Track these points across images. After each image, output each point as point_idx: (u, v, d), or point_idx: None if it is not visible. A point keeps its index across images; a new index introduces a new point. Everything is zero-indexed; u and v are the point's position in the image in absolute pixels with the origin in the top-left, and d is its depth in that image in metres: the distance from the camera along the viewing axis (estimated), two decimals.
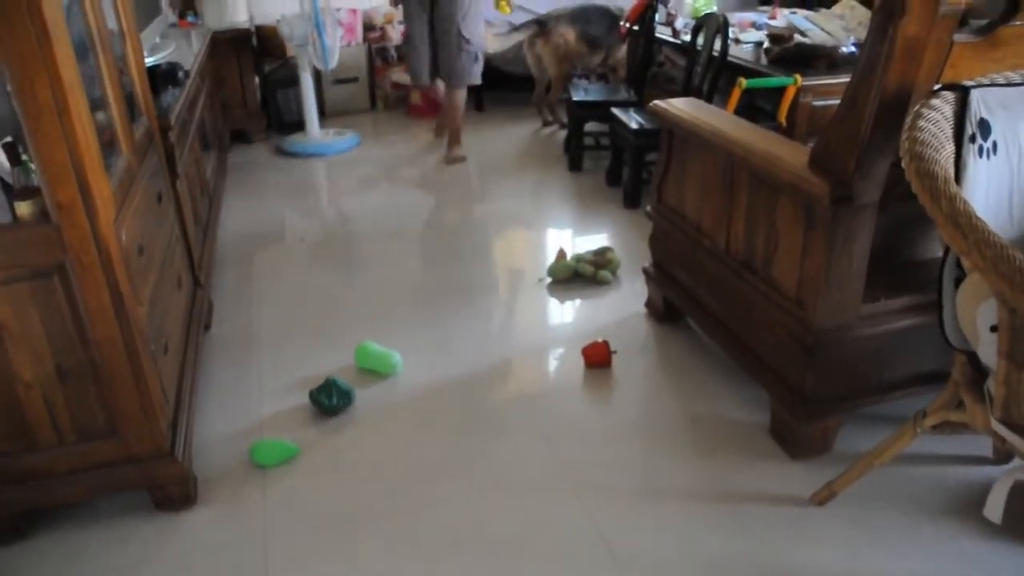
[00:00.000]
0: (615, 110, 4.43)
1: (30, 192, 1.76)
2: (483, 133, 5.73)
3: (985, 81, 1.75)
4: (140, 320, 1.94)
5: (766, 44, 4.07)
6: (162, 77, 3.13)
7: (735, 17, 4.75)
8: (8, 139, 1.88)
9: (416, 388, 2.69)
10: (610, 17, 5.53)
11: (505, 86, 6.09)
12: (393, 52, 6.26)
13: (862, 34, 3.87)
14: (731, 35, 4.02)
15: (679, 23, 4.85)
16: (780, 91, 3.59)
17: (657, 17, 4.84)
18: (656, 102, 2.80)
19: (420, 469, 2.30)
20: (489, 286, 3.52)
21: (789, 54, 3.79)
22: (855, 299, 2.10)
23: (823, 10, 4.48)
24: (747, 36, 4.41)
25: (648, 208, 2.98)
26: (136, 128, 2.39)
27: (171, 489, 2.11)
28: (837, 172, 1.95)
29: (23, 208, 1.74)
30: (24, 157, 1.82)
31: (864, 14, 4.07)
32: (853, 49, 3.83)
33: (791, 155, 2.15)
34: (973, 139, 1.69)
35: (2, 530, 2.02)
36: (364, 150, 5.34)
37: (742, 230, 2.39)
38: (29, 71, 1.61)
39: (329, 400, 2.51)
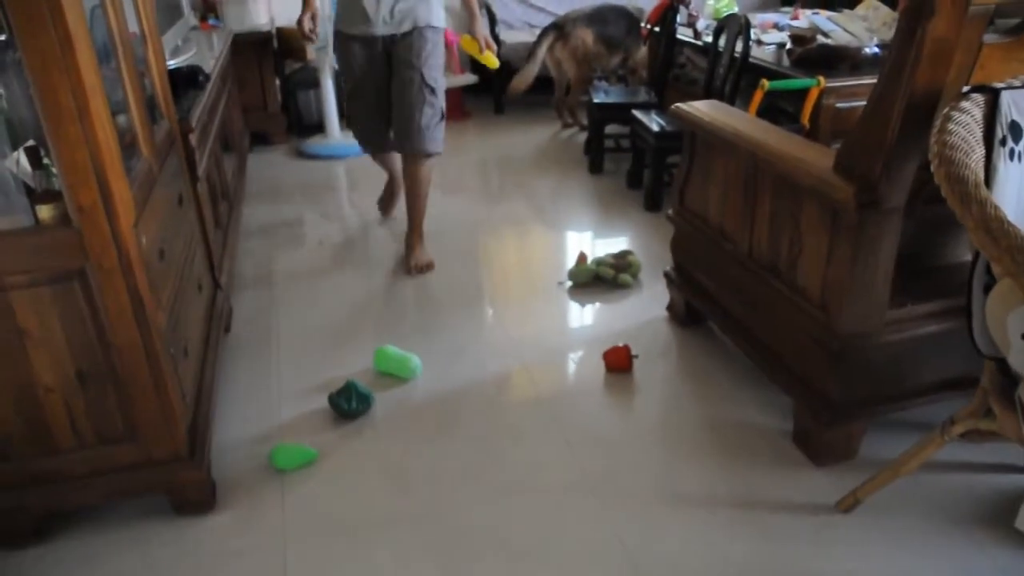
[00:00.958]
0: (636, 112, 4.41)
1: (51, 196, 1.75)
2: (502, 135, 5.72)
3: (1016, 83, 1.72)
4: (160, 324, 1.94)
5: (788, 45, 4.03)
6: (183, 80, 3.13)
7: (757, 18, 4.73)
8: (30, 143, 1.88)
9: (435, 392, 2.68)
10: (628, 17, 5.50)
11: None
12: None
13: (886, 35, 3.85)
14: (753, 36, 4.00)
15: (700, 24, 4.82)
16: (803, 93, 3.56)
17: (678, 18, 4.81)
18: (678, 104, 2.78)
19: (439, 474, 2.29)
20: (509, 289, 3.51)
21: (812, 55, 3.76)
22: (881, 304, 2.07)
23: (846, 11, 4.45)
24: (769, 37, 4.38)
25: (669, 211, 2.96)
26: (157, 131, 2.39)
27: (190, 493, 2.10)
28: (863, 176, 1.92)
29: (44, 212, 1.74)
30: (45, 161, 1.82)
31: (888, 14, 4.03)
32: (876, 50, 3.79)
33: (815, 158, 2.12)
34: (1004, 142, 1.66)
35: (21, 533, 2.02)
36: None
37: (766, 234, 2.36)
38: (51, 76, 1.60)
39: (348, 404, 2.50)
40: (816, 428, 2.22)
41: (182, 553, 2.03)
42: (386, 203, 4.22)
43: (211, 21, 5.21)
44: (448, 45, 6.02)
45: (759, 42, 4.28)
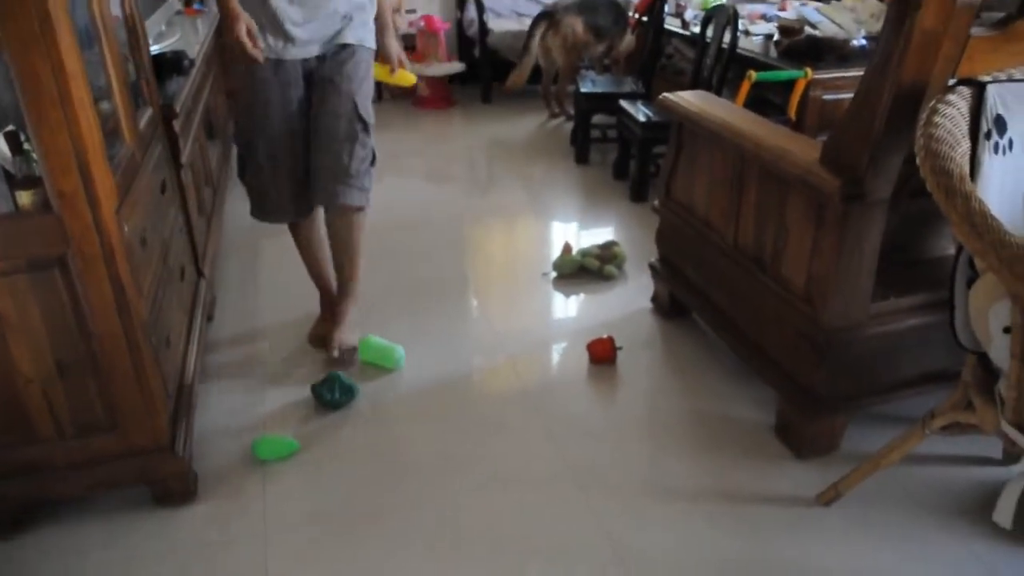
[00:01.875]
0: (623, 102, 4.41)
1: (31, 182, 1.73)
2: (489, 124, 5.70)
3: (1002, 76, 1.72)
4: (141, 313, 1.92)
5: (776, 36, 4.04)
6: (167, 65, 3.10)
7: (745, 9, 4.72)
8: (10, 127, 1.86)
9: (418, 383, 2.67)
10: (616, 6, 5.49)
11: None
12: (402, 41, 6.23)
13: (873, 27, 3.85)
14: (741, 27, 4.00)
15: (688, 14, 4.82)
16: (790, 84, 3.57)
17: (667, 8, 4.80)
18: (665, 95, 2.77)
19: (422, 466, 2.28)
20: (493, 280, 3.50)
21: (799, 47, 3.76)
22: (865, 297, 2.08)
23: (834, 2, 4.46)
24: (757, 28, 4.38)
25: (655, 202, 2.96)
26: (140, 117, 2.36)
27: (171, 484, 2.09)
28: (849, 168, 1.92)
29: (24, 198, 1.72)
30: (26, 146, 1.80)
31: (875, 6, 4.04)
32: (864, 42, 3.80)
33: (802, 150, 2.12)
34: (989, 136, 1.66)
35: (1, 523, 2.01)
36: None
37: (751, 226, 2.36)
38: (31, 59, 1.58)
39: (331, 395, 2.49)
40: (799, 421, 2.22)
41: (163, 544, 2.02)
42: (324, 331, 2.87)
43: (196, 6, 5.16)
44: (435, 31, 6.02)
45: (747, 33, 4.28)
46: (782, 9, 4.62)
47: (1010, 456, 2.17)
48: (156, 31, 3.55)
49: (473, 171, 5.00)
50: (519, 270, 3.55)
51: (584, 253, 3.42)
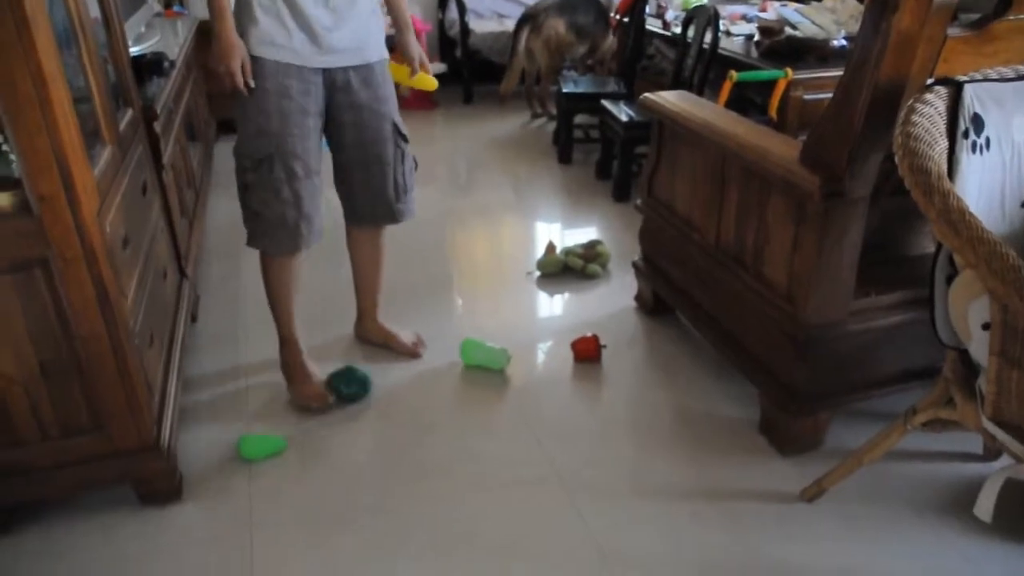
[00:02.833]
0: (605, 102, 4.42)
1: (10, 184, 1.72)
2: (471, 125, 5.70)
3: (978, 76, 1.74)
4: (124, 314, 1.91)
5: (757, 37, 4.06)
6: (147, 67, 3.08)
7: (726, 9, 4.73)
8: None
9: (402, 384, 2.67)
10: (597, 6, 5.50)
11: (494, 77, 6.06)
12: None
13: (853, 27, 3.87)
14: (721, 28, 4.01)
15: (669, 15, 4.84)
16: (771, 84, 3.58)
17: (648, 9, 4.81)
18: (647, 95, 2.79)
19: (405, 466, 2.28)
20: (478, 279, 3.50)
21: (780, 47, 3.78)
22: (846, 294, 2.10)
23: (814, 3, 4.47)
24: (738, 29, 4.40)
25: (638, 201, 2.97)
26: (120, 119, 2.35)
27: (156, 484, 2.09)
28: (828, 166, 1.94)
29: (3, 200, 1.71)
30: (4, 147, 1.79)
31: (855, 7, 4.06)
32: (844, 43, 3.82)
33: (782, 149, 2.14)
34: (966, 134, 1.68)
35: None
36: None
37: (732, 224, 2.38)
38: (9, 61, 1.58)
39: (347, 387, 2.53)
40: (782, 418, 2.24)
41: (148, 544, 2.01)
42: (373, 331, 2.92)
43: (176, 8, 5.14)
44: (416, 33, 6.01)
45: (728, 33, 4.30)
46: (762, 10, 4.63)
47: (990, 451, 2.20)
48: (136, 33, 3.53)
49: (456, 171, 5.00)
50: (503, 269, 3.55)
51: (568, 252, 3.43)
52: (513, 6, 6.29)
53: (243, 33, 2.22)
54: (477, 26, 6.13)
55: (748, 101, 3.74)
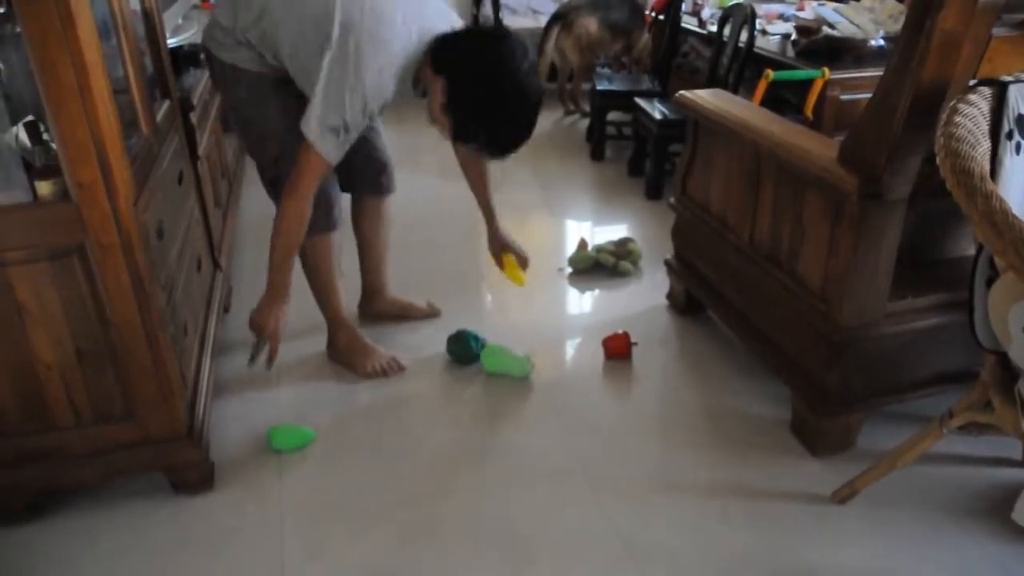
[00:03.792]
0: (639, 100, 4.40)
1: (51, 172, 1.74)
2: None
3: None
4: (159, 303, 1.93)
5: (793, 36, 4.03)
6: (184, 58, 3.11)
7: (762, 8, 4.70)
8: (30, 117, 1.87)
9: (433, 377, 2.67)
10: (631, 3, 5.46)
11: None
12: None
13: (891, 27, 3.83)
14: (758, 26, 3.98)
15: (705, 13, 4.81)
16: (807, 84, 3.55)
17: (683, 6, 4.79)
18: (682, 92, 2.77)
19: (435, 458, 2.29)
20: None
21: (817, 47, 3.75)
22: (881, 296, 2.07)
23: (852, 2, 4.43)
24: (774, 28, 4.36)
25: (671, 199, 2.95)
26: (158, 109, 2.37)
27: (188, 473, 2.10)
28: (867, 167, 1.91)
29: (44, 187, 1.73)
30: (45, 136, 1.81)
31: (894, 7, 4.02)
32: (882, 43, 3.78)
33: (819, 149, 2.12)
34: (1010, 136, 1.65)
35: (19, 509, 2.02)
36: (386, 135, 5.29)
37: (767, 224, 2.36)
38: (52, 51, 1.59)
39: (467, 347, 2.69)
40: (814, 418, 2.22)
41: (180, 532, 2.03)
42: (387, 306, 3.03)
43: (213, 0, 5.18)
44: None
45: (764, 32, 4.27)
46: (800, 9, 4.59)
47: None
48: (173, 25, 3.56)
49: (488, 167, 4.99)
50: (534, 265, 3.52)
51: (599, 249, 3.42)
52: (547, 2, 6.28)
53: (216, 47, 2.29)
54: (511, 22, 6.12)
55: (783, 101, 3.71)
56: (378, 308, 2.97)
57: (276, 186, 2.39)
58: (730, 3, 4.43)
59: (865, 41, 3.75)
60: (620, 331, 2.77)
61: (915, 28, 1.77)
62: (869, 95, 1.96)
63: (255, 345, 2.43)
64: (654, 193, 4.19)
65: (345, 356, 2.68)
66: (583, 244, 3.45)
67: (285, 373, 2.68)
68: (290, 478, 2.21)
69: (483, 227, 2.84)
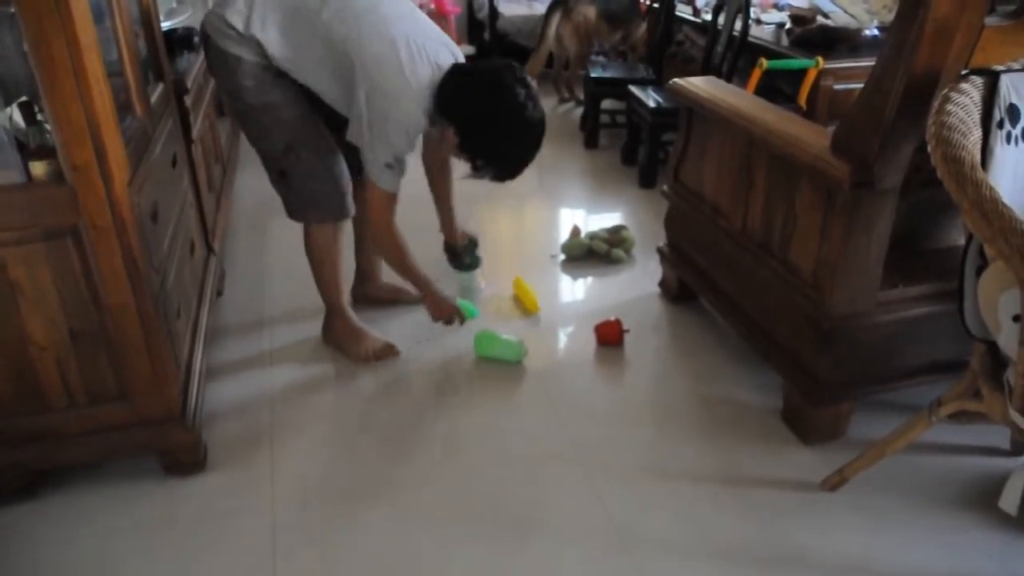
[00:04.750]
0: (633, 88, 4.41)
1: (45, 152, 1.74)
2: None
3: (1015, 66, 1.71)
4: (153, 285, 1.93)
5: (788, 25, 4.02)
6: (178, 42, 3.10)
7: None
8: (24, 98, 1.86)
9: (427, 362, 2.68)
10: None
11: (521, 60, 6.03)
12: None
13: (886, 17, 3.83)
14: (752, 15, 3.98)
15: (700, 2, 4.80)
16: (801, 73, 3.56)
17: None
18: (676, 80, 2.77)
19: (428, 442, 2.30)
20: (502, 261, 3.50)
21: (811, 36, 3.75)
22: (873, 285, 2.08)
23: None
24: (768, 17, 4.36)
25: (664, 187, 2.96)
26: (152, 92, 2.37)
27: (181, 454, 2.11)
28: (859, 156, 1.92)
29: (38, 168, 1.73)
30: (39, 117, 1.81)
31: None
32: (876, 32, 3.78)
33: (812, 137, 2.12)
34: (1001, 125, 1.66)
35: (13, 489, 2.03)
36: None
37: (760, 212, 2.37)
38: (46, 31, 1.59)
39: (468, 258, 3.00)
40: (805, 406, 2.23)
41: (171, 513, 2.04)
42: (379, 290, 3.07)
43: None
44: (445, 15, 6.00)
45: (758, 21, 4.27)
46: None
47: (1018, 445, 2.18)
48: (167, 8, 3.55)
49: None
50: (528, 252, 3.55)
51: (592, 236, 3.42)
52: None
53: (220, 37, 2.26)
54: (506, 9, 6.12)
55: (777, 90, 3.71)
56: (371, 292, 2.98)
57: (286, 179, 2.42)
58: None
59: (859, 31, 3.75)
60: (612, 318, 2.78)
61: (908, 17, 1.77)
62: (862, 85, 1.96)
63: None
64: (647, 181, 4.20)
65: (340, 340, 2.69)
66: (576, 231, 3.46)
67: (279, 357, 2.68)
68: (283, 460, 2.21)
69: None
